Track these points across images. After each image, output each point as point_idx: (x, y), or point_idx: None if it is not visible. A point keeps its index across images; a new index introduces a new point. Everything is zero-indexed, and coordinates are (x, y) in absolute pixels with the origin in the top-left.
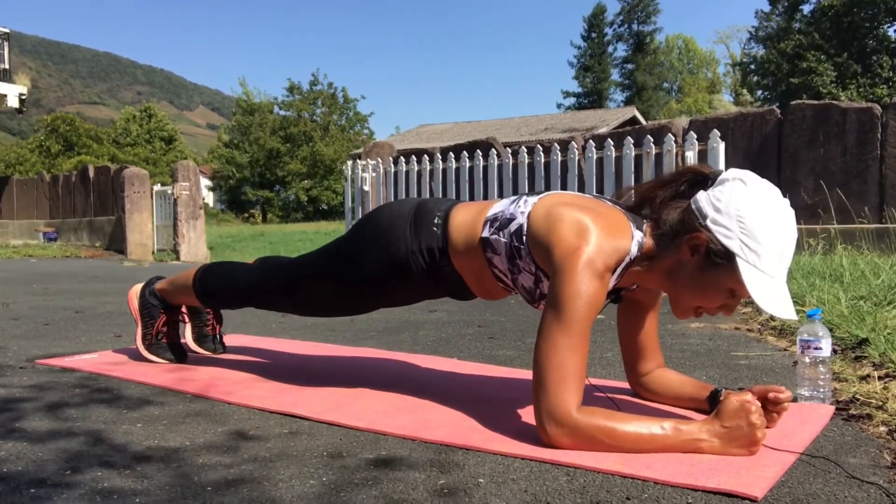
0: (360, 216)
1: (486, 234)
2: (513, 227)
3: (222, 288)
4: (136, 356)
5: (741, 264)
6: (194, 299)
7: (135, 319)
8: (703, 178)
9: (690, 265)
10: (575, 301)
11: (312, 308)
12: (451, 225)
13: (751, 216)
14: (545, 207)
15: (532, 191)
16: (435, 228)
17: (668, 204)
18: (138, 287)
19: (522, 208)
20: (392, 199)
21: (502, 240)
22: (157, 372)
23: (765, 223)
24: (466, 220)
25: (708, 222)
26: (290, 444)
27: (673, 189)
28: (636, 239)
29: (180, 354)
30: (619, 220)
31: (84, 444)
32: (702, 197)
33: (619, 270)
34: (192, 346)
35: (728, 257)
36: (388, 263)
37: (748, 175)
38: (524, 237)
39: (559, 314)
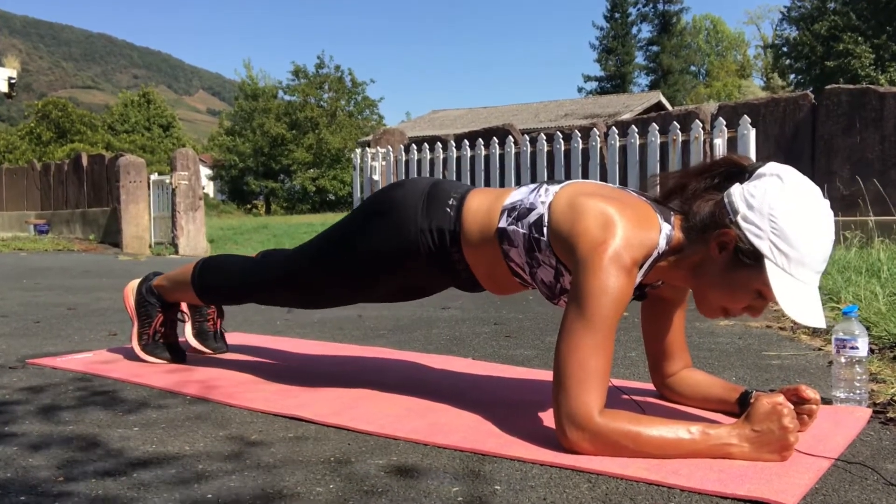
0: None
1: (503, 224)
2: (532, 217)
3: (223, 283)
4: (133, 356)
5: (769, 266)
6: (193, 296)
7: (130, 317)
8: (740, 171)
9: (717, 262)
10: (600, 297)
11: (314, 294)
12: (465, 211)
13: (784, 216)
14: (567, 197)
15: (553, 179)
16: (448, 209)
17: (700, 196)
18: (134, 283)
19: (543, 198)
20: None
21: (521, 231)
22: (155, 372)
23: (798, 225)
24: (482, 207)
25: (738, 219)
26: (295, 449)
27: (706, 180)
28: (664, 232)
29: (178, 355)
30: (646, 211)
31: (78, 448)
32: (735, 191)
33: (646, 265)
34: (193, 343)
35: (756, 258)
36: (396, 241)
37: (787, 171)
38: (544, 229)
39: (583, 311)
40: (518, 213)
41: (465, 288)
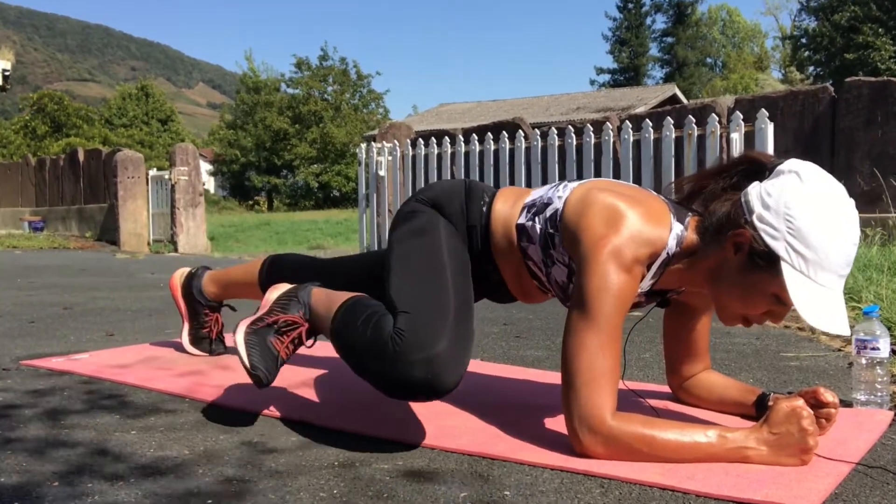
0: (375, 204)
1: (522, 220)
2: (549, 212)
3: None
4: (131, 357)
5: (786, 269)
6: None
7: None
8: (760, 168)
9: (733, 265)
10: (600, 295)
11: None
12: (493, 211)
13: (801, 216)
14: (581, 192)
15: (575, 179)
16: (482, 204)
17: (717, 196)
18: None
19: (560, 193)
20: (410, 186)
21: (538, 226)
22: (155, 375)
23: (817, 225)
24: (505, 206)
25: (754, 219)
26: (298, 453)
27: (725, 179)
28: (675, 232)
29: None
30: (658, 209)
31: (74, 452)
32: (753, 190)
33: (654, 267)
34: (188, 348)
35: (771, 260)
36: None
37: (806, 168)
38: (558, 224)
39: (585, 310)
40: (536, 208)
41: (496, 298)
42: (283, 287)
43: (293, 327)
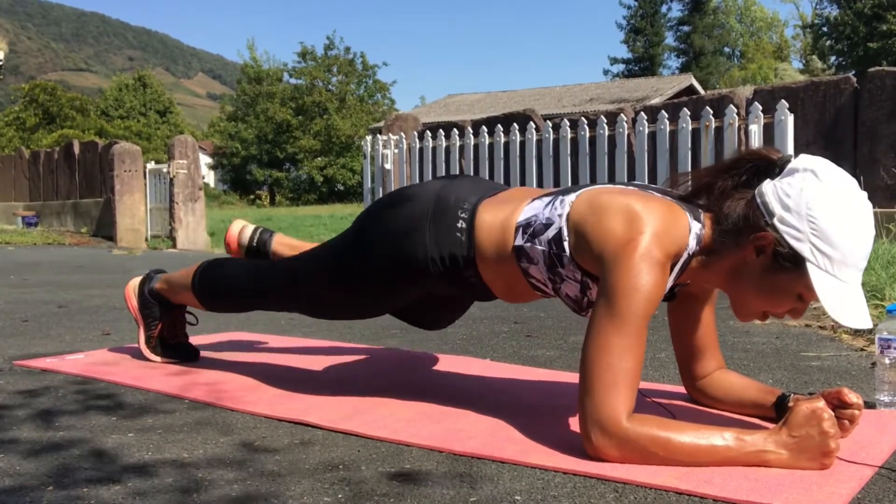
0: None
1: (519, 242)
2: (550, 233)
3: (225, 290)
4: (128, 357)
5: (812, 269)
6: (196, 302)
7: (135, 319)
8: (769, 165)
9: (755, 266)
10: (631, 295)
11: (324, 310)
12: (478, 228)
13: (824, 216)
14: (586, 201)
15: (567, 188)
16: (459, 234)
17: (729, 195)
18: (135, 282)
19: (559, 210)
20: (417, 179)
21: (539, 248)
22: (152, 375)
23: (839, 224)
24: (496, 223)
25: (775, 221)
26: (301, 456)
27: (734, 177)
28: (694, 231)
29: (189, 354)
30: (672, 208)
31: (70, 456)
32: (768, 190)
33: (678, 267)
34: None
35: (796, 261)
36: (402, 267)
37: (820, 164)
38: (565, 243)
39: (612, 310)
40: (534, 229)
41: (481, 300)
42: (132, 298)
43: (169, 327)
